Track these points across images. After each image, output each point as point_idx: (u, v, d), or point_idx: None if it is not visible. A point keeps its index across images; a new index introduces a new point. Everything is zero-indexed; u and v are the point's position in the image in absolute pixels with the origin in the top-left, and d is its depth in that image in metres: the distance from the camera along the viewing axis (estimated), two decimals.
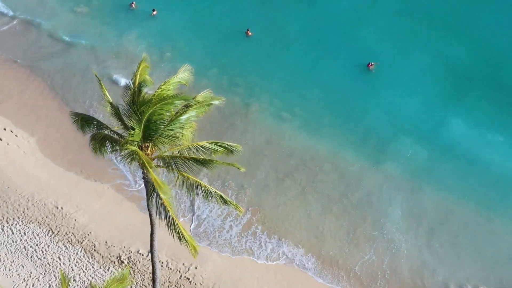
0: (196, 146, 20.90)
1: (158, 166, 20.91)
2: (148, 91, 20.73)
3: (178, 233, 19.73)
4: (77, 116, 21.78)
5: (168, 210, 19.49)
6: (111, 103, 21.03)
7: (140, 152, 19.41)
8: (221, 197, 20.99)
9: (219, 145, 21.23)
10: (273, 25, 44.57)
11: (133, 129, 19.48)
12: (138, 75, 20.45)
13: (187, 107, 20.52)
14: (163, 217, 19.81)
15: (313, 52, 42.40)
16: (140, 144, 20.24)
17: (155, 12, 45.68)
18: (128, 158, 19.69)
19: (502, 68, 40.62)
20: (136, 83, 20.27)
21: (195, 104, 20.59)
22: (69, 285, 28.16)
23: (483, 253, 30.74)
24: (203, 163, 20.62)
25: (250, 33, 43.09)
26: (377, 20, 44.57)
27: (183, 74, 21.55)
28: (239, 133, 36.71)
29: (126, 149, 19.35)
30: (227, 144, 21.33)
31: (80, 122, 21.49)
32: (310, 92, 39.42)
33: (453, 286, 29.29)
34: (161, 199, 19.47)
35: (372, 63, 40.28)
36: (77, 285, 28.26)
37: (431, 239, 31.27)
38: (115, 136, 21.06)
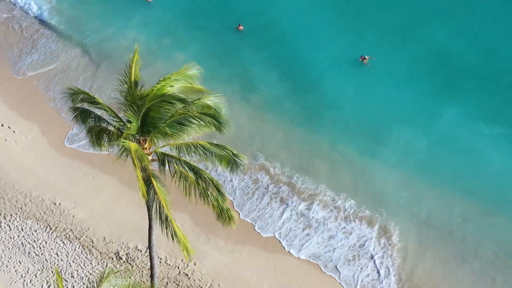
0: (196, 145, 19.73)
1: (154, 160, 20.55)
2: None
3: (172, 231, 18.79)
4: (75, 110, 21.24)
5: (163, 206, 18.92)
6: (106, 106, 20.60)
7: (137, 147, 19.06)
8: (218, 201, 19.57)
9: (223, 149, 19.53)
10: (265, 18, 44.15)
11: (130, 122, 19.21)
12: (133, 67, 20.01)
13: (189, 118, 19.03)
14: (158, 213, 19.10)
15: (306, 48, 41.81)
16: (137, 137, 19.94)
17: None
18: (124, 152, 19.04)
19: (496, 59, 40.12)
20: (132, 76, 19.88)
21: (198, 116, 19.13)
22: (67, 281, 28.00)
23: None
24: (196, 172, 19.45)
25: (241, 28, 42.92)
26: (370, 13, 44.08)
27: (189, 73, 20.40)
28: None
29: (122, 144, 18.89)
30: (232, 152, 19.51)
31: (79, 116, 20.92)
32: (303, 86, 38.97)
33: None
34: (157, 194, 19.07)
35: (366, 57, 39.81)
36: (75, 281, 28.08)
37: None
38: (113, 129, 20.58)
